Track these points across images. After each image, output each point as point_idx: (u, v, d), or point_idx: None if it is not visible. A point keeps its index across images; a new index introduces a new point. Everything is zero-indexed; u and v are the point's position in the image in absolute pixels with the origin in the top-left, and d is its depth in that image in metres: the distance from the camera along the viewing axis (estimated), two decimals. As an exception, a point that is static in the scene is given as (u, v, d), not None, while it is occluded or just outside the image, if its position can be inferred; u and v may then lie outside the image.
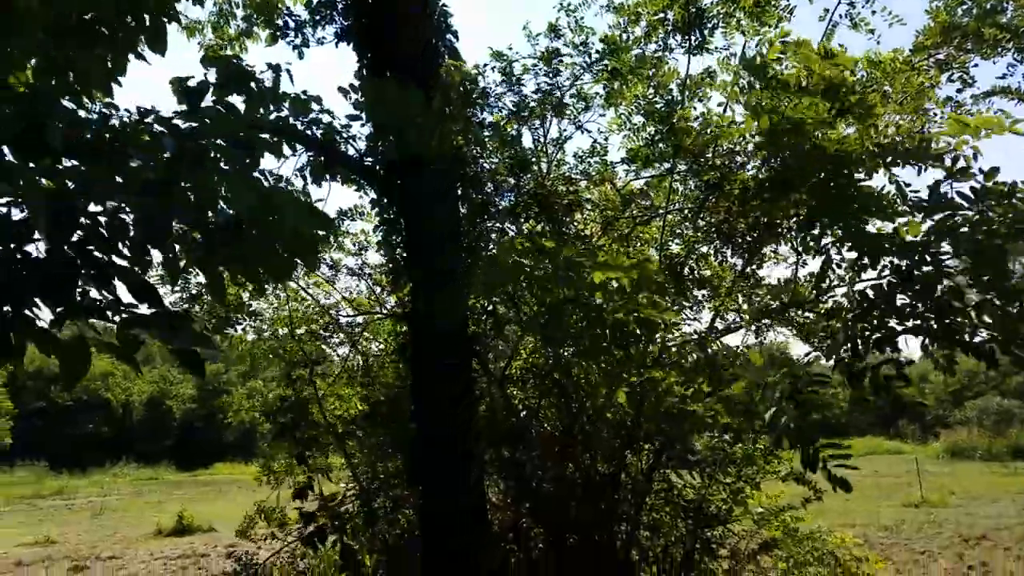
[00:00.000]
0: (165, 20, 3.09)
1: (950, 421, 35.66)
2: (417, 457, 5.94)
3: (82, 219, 2.46)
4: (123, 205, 2.57)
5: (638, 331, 4.13)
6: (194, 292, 7.32)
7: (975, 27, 6.13)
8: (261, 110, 3.33)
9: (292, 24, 7.05)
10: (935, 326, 3.42)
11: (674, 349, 5.06)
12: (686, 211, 6.28)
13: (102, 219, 2.50)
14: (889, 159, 4.41)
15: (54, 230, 2.37)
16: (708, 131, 5.59)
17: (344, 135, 5.27)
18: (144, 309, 2.48)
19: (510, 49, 5.89)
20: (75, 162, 2.71)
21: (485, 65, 5.85)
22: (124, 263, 2.51)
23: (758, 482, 6.26)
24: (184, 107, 2.97)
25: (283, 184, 5.47)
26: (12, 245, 2.40)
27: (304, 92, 3.68)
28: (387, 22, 5.84)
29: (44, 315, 2.38)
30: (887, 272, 3.59)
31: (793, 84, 4.49)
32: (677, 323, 5.30)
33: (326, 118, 4.89)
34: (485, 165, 5.90)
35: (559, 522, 5.79)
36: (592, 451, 5.96)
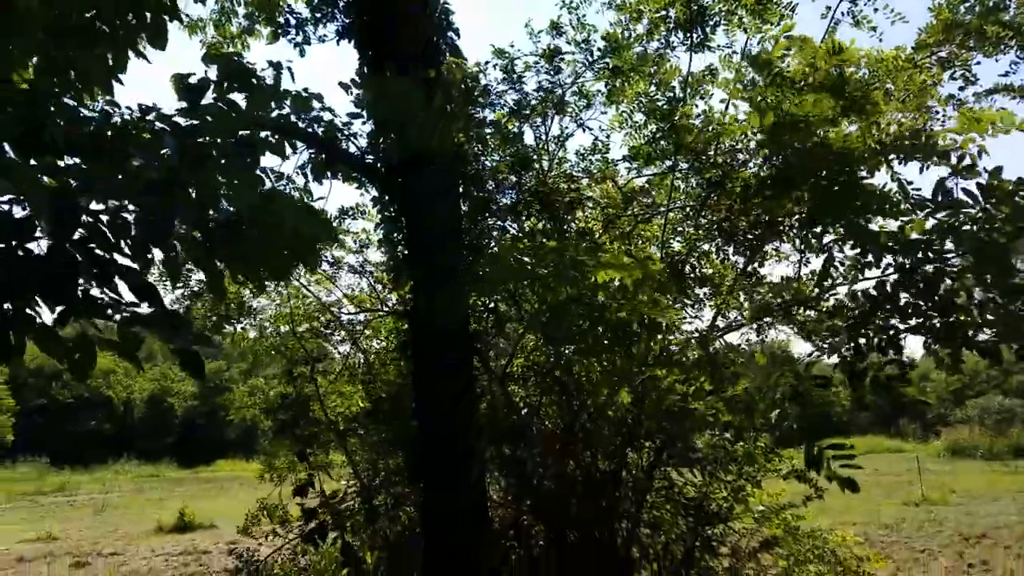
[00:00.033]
0: (166, 18, 3.09)
1: (951, 420, 35.67)
2: (418, 454, 5.94)
3: (84, 217, 2.46)
4: (125, 204, 2.58)
5: (640, 331, 4.13)
6: (195, 289, 7.33)
7: (978, 24, 6.11)
8: (262, 108, 3.32)
9: (293, 22, 7.05)
10: (938, 325, 3.41)
11: (675, 347, 5.06)
12: (688, 209, 6.27)
13: (104, 218, 2.51)
14: (893, 156, 4.41)
15: (56, 228, 2.37)
16: (710, 129, 5.58)
17: (345, 133, 5.27)
18: (145, 308, 2.48)
19: (511, 47, 5.89)
20: (76, 160, 2.71)
21: (487, 63, 5.85)
22: (126, 262, 2.51)
23: (759, 480, 6.25)
24: (185, 104, 2.97)
25: (284, 182, 5.47)
26: (14, 243, 2.40)
27: (305, 89, 3.67)
28: (387, 22, 5.84)
29: (45, 313, 2.38)
30: (891, 270, 3.58)
31: (799, 81, 4.49)
32: (679, 324, 5.30)
33: (327, 116, 4.89)
34: (486, 163, 5.89)
35: (560, 519, 5.79)
36: (593, 449, 5.96)
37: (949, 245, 3.56)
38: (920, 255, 3.49)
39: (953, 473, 21.98)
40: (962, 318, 3.47)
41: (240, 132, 3.06)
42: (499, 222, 5.95)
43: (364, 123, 5.38)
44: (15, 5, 2.65)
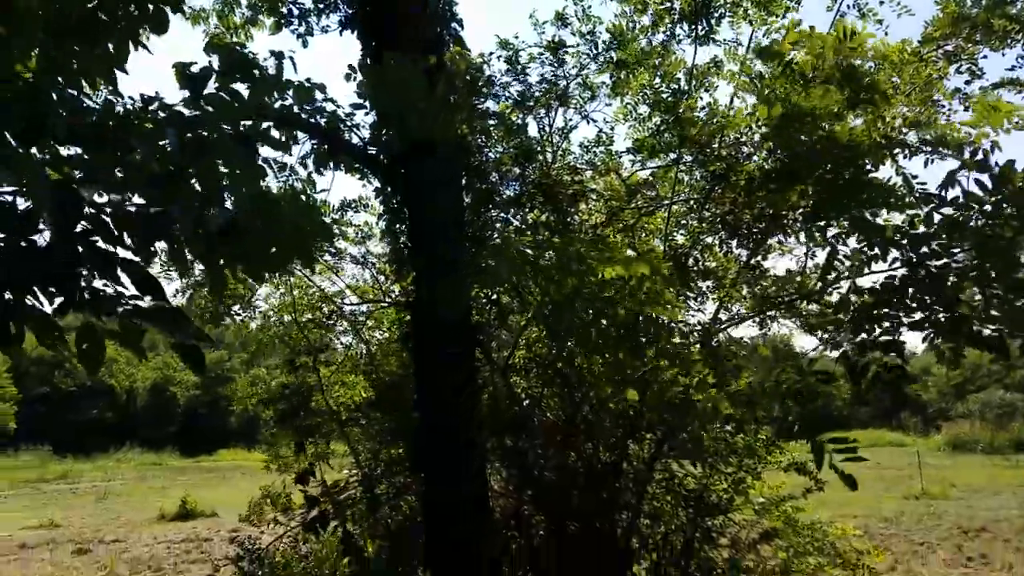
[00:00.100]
0: (168, 9, 3.07)
1: (952, 414, 35.68)
2: (420, 445, 5.96)
3: (87, 209, 2.47)
4: (128, 196, 2.58)
5: (645, 327, 4.14)
6: (198, 279, 7.33)
7: (984, 18, 6.08)
8: (265, 98, 3.32)
9: (296, 12, 7.03)
10: (943, 319, 3.41)
11: (677, 340, 5.06)
12: (691, 202, 6.26)
13: (107, 209, 2.51)
14: (898, 150, 4.40)
15: (58, 221, 2.37)
16: (714, 121, 5.57)
17: (348, 123, 5.25)
18: (147, 301, 2.49)
19: (516, 38, 5.87)
20: (79, 150, 2.71)
21: (491, 54, 5.83)
22: (128, 254, 2.51)
23: (759, 472, 6.27)
24: (187, 93, 2.97)
25: (287, 172, 5.46)
26: (16, 235, 2.40)
27: (308, 80, 3.66)
28: (387, 22, 5.81)
29: (45, 305, 2.39)
30: (898, 264, 3.57)
31: (808, 72, 4.47)
32: (684, 321, 5.31)
33: (330, 106, 4.88)
34: (490, 154, 5.88)
35: (560, 510, 5.81)
36: (594, 440, 5.98)
37: (955, 239, 3.55)
38: (926, 249, 3.48)
39: (953, 467, 22.00)
40: (967, 313, 3.46)
41: (243, 122, 3.05)
42: (502, 214, 5.94)
43: (367, 114, 5.37)
44: (15, 5, 2.64)
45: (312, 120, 4.60)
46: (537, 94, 6.03)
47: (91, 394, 41.28)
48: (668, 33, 6.00)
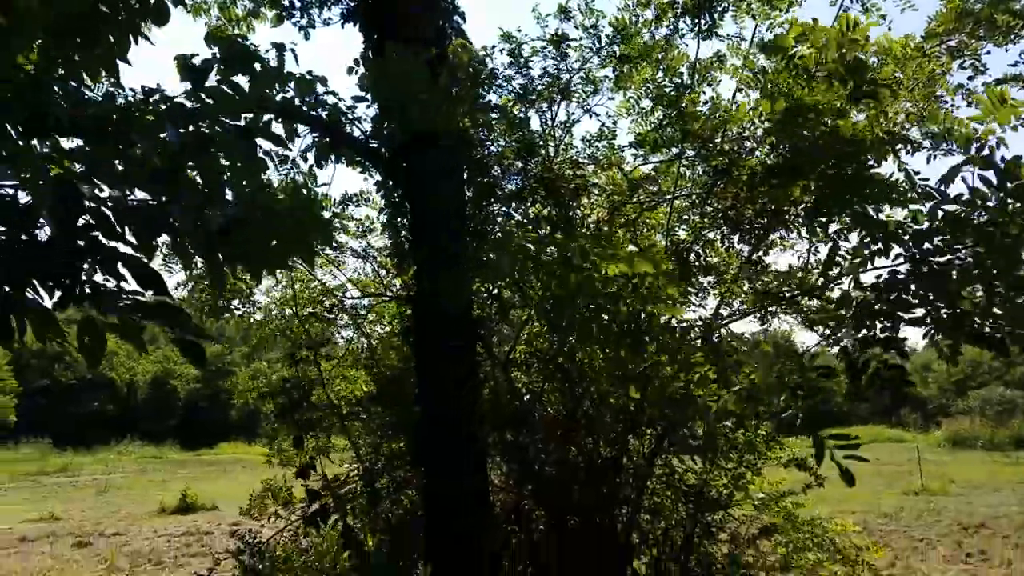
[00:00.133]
0: (169, 1, 3.06)
1: (952, 410, 35.69)
2: (421, 439, 5.96)
3: (89, 203, 2.46)
4: (129, 191, 2.58)
5: (646, 324, 4.13)
6: (199, 272, 7.32)
7: (988, 13, 6.06)
8: (266, 90, 3.30)
9: (298, 4, 7.00)
10: (945, 316, 3.40)
11: (679, 336, 5.06)
12: (694, 197, 6.25)
13: (108, 204, 2.51)
14: (900, 146, 4.38)
15: (59, 216, 2.37)
16: (717, 116, 5.55)
17: (349, 116, 5.24)
18: (149, 295, 2.49)
19: (519, 31, 5.85)
20: (80, 142, 2.70)
21: (493, 47, 5.82)
22: (129, 249, 2.51)
23: (759, 468, 6.27)
24: (188, 85, 2.96)
25: (288, 166, 5.45)
26: (16, 230, 2.40)
27: (309, 72, 3.65)
28: (389, 15, 5.79)
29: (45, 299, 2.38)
30: (900, 260, 3.56)
31: (811, 67, 4.45)
32: (686, 320, 5.31)
33: (331, 99, 4.87)
34: (492, 148, 5.86)
35: (561, 505, 5.81)
36: (595, 435, 5.98)
37: (957, 235, 3.54)
38: (929, 246, 3.47)
39: (953, 463, 22.03)
40: (969, 310, 3.45)
41: (244, 115, 3.04)
42: (504, 208, 5.93)
43: (368, 107, 5.36)
44: (15, 5, 2.63)
45: (313, 113, 4.60)
46: (539, 87, 6.01)
47: (91, 387, 41.33)
48: (671, 27, 5.98)
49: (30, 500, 18.07)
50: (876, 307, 3.54)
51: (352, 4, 6.50)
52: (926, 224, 3.55)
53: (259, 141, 3.02)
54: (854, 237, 4.02)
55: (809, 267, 5.71)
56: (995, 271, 3.38)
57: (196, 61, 3.03)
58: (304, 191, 4.67)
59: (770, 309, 6.00)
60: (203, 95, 2.95)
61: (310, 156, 4.99)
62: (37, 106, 2.54)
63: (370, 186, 7.09)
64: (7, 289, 2.30)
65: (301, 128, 4.78)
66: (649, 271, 3.97)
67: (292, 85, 3.48)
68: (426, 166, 5.46)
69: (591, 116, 6.36)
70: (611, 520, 5.88)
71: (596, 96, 6.34)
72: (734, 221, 5.68)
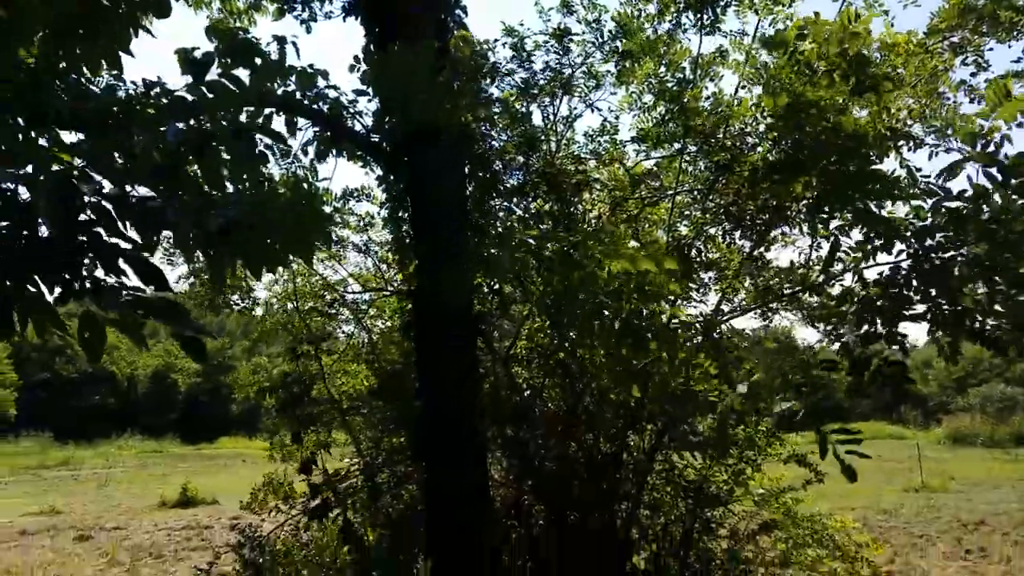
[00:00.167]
0: (170, -5, 3.05)
1: (953, 408, 35.69)
2: (422, 434, 5.96)
3: (91, 198, 2.46)
4: (131, 187, 2.58)
5: (647, 321, 4.13)
6: (200, 265, 7.31)
7: (991, 9, 6.04)
8: (267, 83, 3.30)
9: (300, -3, 6.98)
10: (947, 312, 3.40)
11: (680, 332, 5.06)
12: (695, 192, 6.24)
13: (109, 199, 2.51)
14: (902, 142, 4.37)
15: (59, 213, 2.37)
16: (719, 111, 5.54)
17: (351, 110, 5.23)
18: (151, 291, 2.49)
19: (521, 25, 5.84)
20: (81, 136, 2.70)
21: (495, 41, 5.80)
22: (129, 246, 2.51)
23: (759, 463, 6.27)
24: (189, 78, 2.95)
25: (290, 159, 5.44)
26: (18, 227, 2.39)
27: (311, 66, 3.64)
28: (390, 8, 5.77)
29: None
30: (903, 257, 3.56)
31: (814, 62, 4.44)
32: (686, 316, 5.30)
33: (332, 93, 4.85)
34: (493, 143, 5.85)
35: (561, 500, 5.82)
36: (595, 431, 5.98)
37: (958, 231, 3.53)
38: (931, 242, 3.46)
39: (953, 460, 22.04)
40: (970, 307, 3.45)
41: (244, 109, 3.04)
42: (505, 203, 5.92)
43: (370, 101, 5.34)
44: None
45: (315, 107, 4.58)
46: (542, 82, 6.00)
47: (92, 380, 41.36)
48: (674, 22, 5.97)
49: (31, 494, 18.10)
50: (878, 303, 3.54)
51: (354, -3, 6.48)
52: (929, 220, 3.54)
53: (258, 136, 3.02)
54: (856, 233, 4.01)
55: (811, 263, 5.70)
56: (997, 268, 3.38)
57: (197, 55, 3.02)
58: (305, 185, 4.67)
59: (771, 305, 6.00)
60: (204, 89, 2.95)
61: (311, 150, 4.97)
62: (37, 105, 2.53)
63: (371, 181, 7.08)
64: (7, 284, 2.30)
65: (302, 122, 4.76)
66: (652, 269, 3.97)
67: (293, 79, 3.47)
68: (427, 162, 5.45)
69: (593, 111, 6.35)
70: (611, 515, 5.88)
71: (598, 91, 6.33)
72: (736, 217, 5.67)
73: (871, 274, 3.85)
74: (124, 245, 2.51)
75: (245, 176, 2.93)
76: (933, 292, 3.49)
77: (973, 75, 6.20)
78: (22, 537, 12.36)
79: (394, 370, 6.92)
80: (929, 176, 3.74)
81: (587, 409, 5.96)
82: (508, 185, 5.90)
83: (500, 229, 5.59)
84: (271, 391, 7.56)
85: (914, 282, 3.50)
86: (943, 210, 3.56)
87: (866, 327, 3.55)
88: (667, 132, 5.95)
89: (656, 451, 6.10)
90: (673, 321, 4.77)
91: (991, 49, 6.13)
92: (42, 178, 2.42)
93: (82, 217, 2.46)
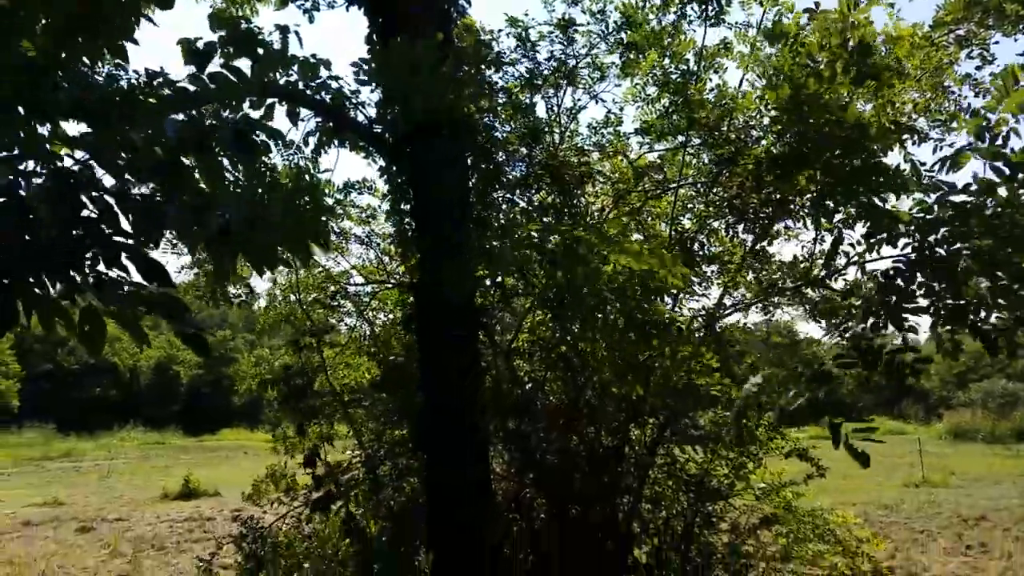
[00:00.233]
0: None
1: (954, 403, 35.64)
2: (424, 428, 5.96)
3: (93, 193, 2.46)
4: (132, 183, 2.57)
5: (650, 316, 4.12)
6: (202, 257, 7.30)
7: (997, 2, 6.00)
8: (270, 73, 3.28)
9: (303, -14, 6.93)
10: (950, 305, 3.38)
11: (683, 327, 5.05)
12: (699, 185, 6.22)
13: (111, 194, 2.50)
14: (906, 136, 4.35)
15: (59, 210, 2.36)
16: (723, 104, 5.52)
17: (353, 101, 5.20)
18: (153, 287, 2.48)
19: (526, 15, 5.81)
20: (84, 128, 2.69)
21: (499, 31, 5.77)
22: (132, 241, 2.50)
23: (761, 458, 6.27)
24: (193, 69, 2.94)
25: (292, 150, 5.41)
26: (20, 224, 2.39)
27: (313, 55, 3.62)
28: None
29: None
30: (909, 250, 3.54)
31: (816, 53, 4.41)
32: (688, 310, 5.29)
33: (335, 83, 4.83)
34: (497, 134, 5.83)
35: (562, 494, 5.82)
36: (596, 424, 5.98)
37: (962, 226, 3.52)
38: (937, 236, 3.44)
39: (954, 456, 22.04)
40: (973, 300, 3.44)
41: (247, 98, 3.03)
42: (508, 195, 5.90)
43: (372, 91, 5.31)
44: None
45: (317, 97, 4.56)
46: (546, 72, 5.97)
47: (95, 372, 41.40)
48: (678, 13, 5.93)
49: (34, 485, 18.15)
50: (883, 299, 3.52)
51: (357, -13, 6.44)
52: (933, 213, 3.52)
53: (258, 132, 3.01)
54: (859, 227, 4.00)
55: (814, 257, 5.69)
56: (1000, 262, 3.36)
57: (200, 44, 3.01)
58: (307, 177, 4.65)
59: (774, 300, 5.99)
60: (206, 79, 2.93)
61: (312, 140, 4.95)
62: (37, 104, 2.53)
63: (373, 173, 7.07)
64: (9, 281, 2.30)
65: (304, 112, 4.74)
66: (655, 267, 3.95)
67: (296, 68, 3.46)
68: (430, 153, 5.42)
69: (597, 102, 6.32)
70: (612, 509, 5.89)
71: (602, 82, 6.30)
72: (739, 210, 5.65)
73: (875, 268, 3.84)
74: (127, 241, 2.51)
75: (243, 173, 2.92)
76: (936, 286, 3.47)
77: (978, 68, 6.17)
78: (25, 528, 12.39)
79: (396, 362, 6.92)
80: (932, 169, 3.73)
81: (589, 402, 5.96)
82: (511, 177, 5.88)
83: (503, 221, 5.58)
84: (273, 383, 7.56)
85: (918, 276, 3.48)
86: (947, 204, 3.54)
87: (872, 319, 3.54)
88: (671, 124, 5.92)
89: (658, 445, 6.10)
90: (677, 316, 4.76)
91: (997, 42, 6.10)
92: (39, 169, 2.41)
93: (84, 213, 2.45)
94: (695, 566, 6.02)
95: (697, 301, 6.22)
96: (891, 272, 3.57)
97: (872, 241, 3.69)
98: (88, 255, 2.42)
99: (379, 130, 5.56)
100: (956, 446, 25.74)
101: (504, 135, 5.82)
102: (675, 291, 5.35)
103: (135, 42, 2.92)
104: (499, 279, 5.68)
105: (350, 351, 7.80)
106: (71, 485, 18.07)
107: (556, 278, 4.49)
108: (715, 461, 6.17)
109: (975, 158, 3.42)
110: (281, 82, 3.61)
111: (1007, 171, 3.26)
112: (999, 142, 3.39)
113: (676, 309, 5.95)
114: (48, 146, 2.58)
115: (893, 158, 4.67)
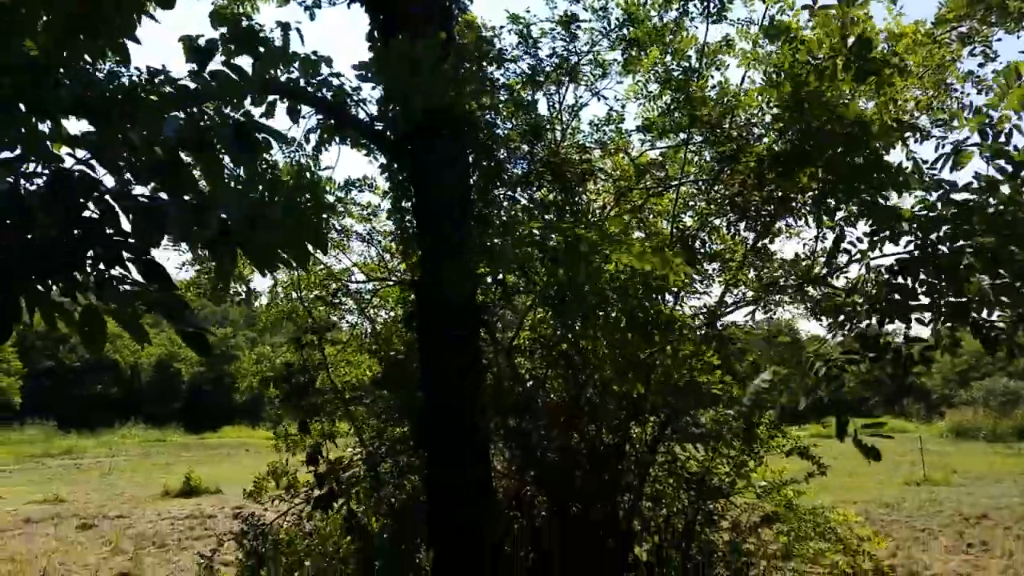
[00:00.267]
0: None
1: (955, 401, 35.61)
2: (424, 426, 5.96)
3: (94, 193, 2.45)
4: (132, 181, 2.57)
5: (652, 314, 4.12)
6: (203, 255, 7.30)
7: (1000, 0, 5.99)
8: (271, 70, 3.28)
9: (304, -17, 6.93)
10: (952, 303, 3.38)
11: (685, 325, 5.04)
12: (700, 183, 6.21)
13: (113, 195, 2.50)
14: (908, 133, 4.34)
15: (59, 210, 2.36)
16: (725, 101, 5.51)
17: (354, 98, 5.19)
18: (154, 288, 2.48)
19: (527, 12, 5.79)
20: (86, 126, 2.69)
21: (501, 27, 5.76)
22: (132, 240, 2.50)
23: (762, 456, 6.27)
24: (194, 66, 2.93)
25: (294, 147, 5.41)
26: (20, 224, 2.39)
27: (315, 52, 3.62)
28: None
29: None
30: (911, 248, 3.54)
31: (816, 50, 4.40)
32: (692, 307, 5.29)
33: (336, 80, 4.82)
34: (498, 131, 5.82)
35: (563, 491, 5.82)
36: (597, 422, 5.98)
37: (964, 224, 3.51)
38: (939, 233, 3.44)
39: (956, 454, 22.03)
40: (976, 299, 3.43)
41: (249, 93, 3.02)
42: (509, 192, 5.89)
43: (374, 88, 5.31)
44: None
45: (318, 94, 4.55)
46: (548, 69, 5.96)
47: (96, 369, 41.42)
48: (680, 10, 5.92)
49: (35, 482, 18.18)
50: (888, 295, 3.52)
51: (359, -17, 6.42)
52: (936, 211, 3.52)
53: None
54: (861, 225, 3.99)
55: (815, 255, 5.68)
56: (1002, 259, 3.36)
57: (201, 42, 3.00)
58: (308, 174, 4.65)
59: (775, 298, 5.98)
60: (207, 77, 2.93)
61: (314, 138, 4.95)
62: (39, 102, 2.52)
63: (374, 170, 7.07)
64: (10, 283, 2.30)
65: (306, 109, 4.74)
66: (656, 266, 3.95)
67: (297, 65, 3.45)
68: (431, 152, 5.41)
69: (599, 100, 6.31)
70: (613, 507, 5.89)
71: (604, 79, 6.30)
72: (741, 208, 5.64)
73: (878, 265, 3.83)
74: (128, 241, 2.50)
75: (244, 171, 2.91)
76: (938, 283, 3.47)
77: (981, 66, 6.15)
78: (26, 525, 12.41)
79: (397, 360, 6.91)
80: (934, 167, 3.72)
81: (590, 400, 5.95)
82: (512, 174, 5.87)
83: (504, 219, 5.57)
84: (274, 381, 7.56)
85: (921, 274, 3.48)
86: (949, 201, 3.53)
87: (876, 315, 3.54)
88: (673, 121, 5.91)
89: (659, 443, 6.10)
90: (679, 314, 4.75)
91: (999, 40, 6.09)
92: (40, 169, 2.41)
93: (85, 214, 2.45)
94: (696, 564, 6.02)
95: (698, 299, 6.22)
96: (896, 268, 3.56)
97: (875, 239, 3.68)
98: (89, 255, 2.42)
99: (380, 127, 5.56)
100: (957, 444, 25.73)
101: (505, 132, 5.81)
102: (676, 289, 5.34)
103: (136, 40, 2.91)
104: (500, 277, 5.67)
105: (351, 348, 7.80)
106: (72, 482, 18.09)
107: (557, 276, 4.49)
108: (716, 459, 6.17)
109: (978, 156, 3.41)
110: (282, 79, 3.61)
111: (1009, 168, 3.25)
112: (1001, 139, 3.38)
113: (678, 307, 5.95)
114: (49, 144, 2.57)
115: (895, 156, 4.67)
